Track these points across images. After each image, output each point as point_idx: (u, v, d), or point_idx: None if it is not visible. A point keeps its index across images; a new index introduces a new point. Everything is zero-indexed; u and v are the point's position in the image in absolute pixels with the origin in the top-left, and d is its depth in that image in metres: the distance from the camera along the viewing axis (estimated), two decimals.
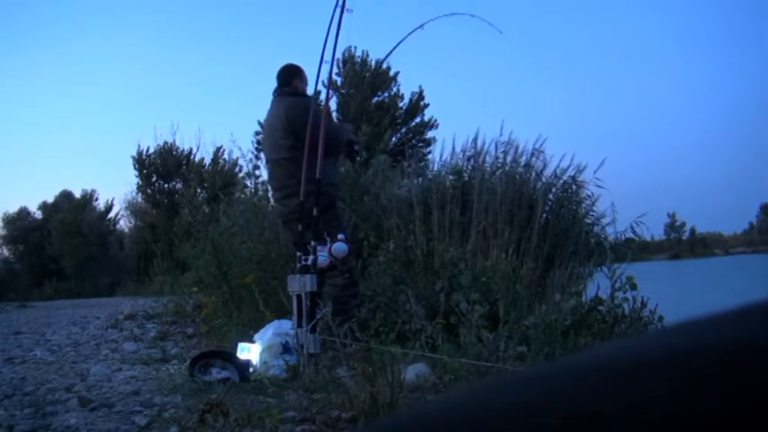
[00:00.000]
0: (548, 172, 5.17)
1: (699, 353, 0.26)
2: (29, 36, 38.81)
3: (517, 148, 5.14)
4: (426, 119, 20.53)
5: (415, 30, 4.18)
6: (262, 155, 5.52)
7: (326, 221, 3.59)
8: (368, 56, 19.33)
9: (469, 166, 5.15)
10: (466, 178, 4.97)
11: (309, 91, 4.03)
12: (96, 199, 22.20)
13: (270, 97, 4.01)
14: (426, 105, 20.26)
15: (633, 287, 3.40)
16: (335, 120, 14.38)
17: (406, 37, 4.22)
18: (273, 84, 4.03)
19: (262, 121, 18.53)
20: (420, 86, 20.02)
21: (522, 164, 5.12)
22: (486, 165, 5.11)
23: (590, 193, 5.21)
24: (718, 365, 0.25)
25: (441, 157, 5.38)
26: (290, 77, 3.95)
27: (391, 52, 4.40)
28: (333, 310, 3.41)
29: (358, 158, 4.75)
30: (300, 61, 4.11)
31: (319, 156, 3.48)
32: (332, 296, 3.63)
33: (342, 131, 4.06)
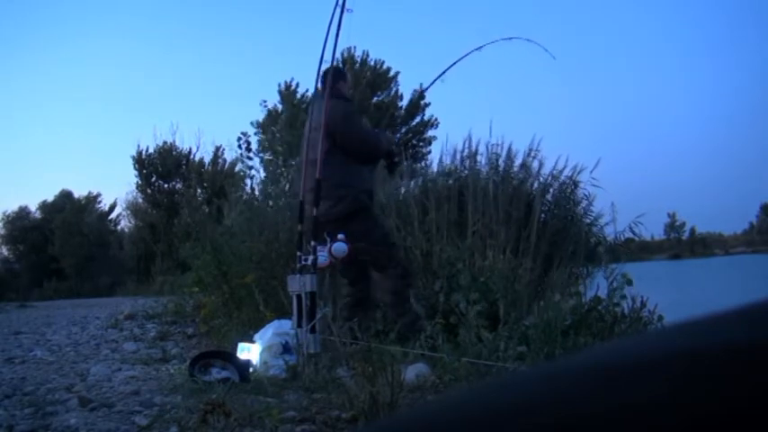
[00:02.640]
0: (545, 172, 5.17)
1: (699, 353, 0.26)
2: (30, 37, 38.79)
3: (510, 148, 5.15)
4: (427, 118, 20.54)
5: (472, 52, 4.21)
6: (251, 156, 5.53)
7: (358, 224, 3.62)
8: (368, 56, 19.35)
9: (465, 167, 5.16)
10: (462, 177, 4.97)
11: (309, 92, 4.02)
12: (100, 201, 22.26)
13: (269, 95, 4.01)
14: (427, 104, 20.26)
15: (629, 283, 3.40)
16: None
17: (459, 60, 4.22)
18: (274, 84, 4.03)
19: (261, 120, 18.42)
20: (421, 84, 19.99)
21: (518, 164, 5.13)
22: (480, 165, 5.12)
23: (588, 193, 5.21)
24: (718, 365, 0.25)
25: (440, 158, 5.39)
26: (334, 80, 3.85)
27: (442, 75, 4.29)
28: (391, 302, 3.55)
29: (396, 169, 4.63)
30: (300, 61, 4.15)
31: (319, 158, 3.47)
32: (389, 290, 3.67)
33: (380, 140, 3.99)
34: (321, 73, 3.93)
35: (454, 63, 4.26)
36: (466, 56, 4.22)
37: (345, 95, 3.91)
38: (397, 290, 3.63)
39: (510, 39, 4.33)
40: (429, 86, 4.29)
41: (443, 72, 4.36)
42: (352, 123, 3.75)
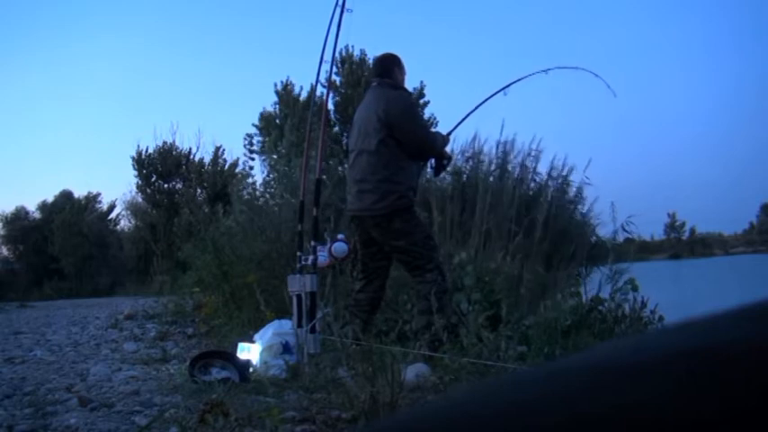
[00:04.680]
0: (544, 172, 5.22)
1: (699, 353, 0.26)
2: (30, 37, 38.73)
3: (509, 149, 5.18)
4: (426, 117, 20.51)
5: (538, 72, 4.21)
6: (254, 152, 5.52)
7: (401, 222, 3.47)
8: (365, 55, 19.31)
9: (468, 167, 5.17)
10: (464, 179, 4.99)
11: (305, 91, 4.01)
12: (100, 201, 22.24)
13: (264, 91, 3.99)
14: (427, 103, 20.24)
15: (635, 289, 3.40)
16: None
17: (524, 78, 4.18)
18: (272, 84, 4.03)
19: (257, 123, 18.32)
20: (421, 82, 19.95)
21: (519, 164, 5.16)
22: (483, 165, 5.14)
23: (585, 194, 5.26)
24: (718, 365, 0.25)
25: None
26: (390, 68, 3.70)
27: (505, 88, 4.21)
28: (420, 309, 3.36)
29: (443, 173, 4.42)
30: (300, 61, 4.14)
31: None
32: (423, 295, 3.41)
33: (437, 140, 3.83)
34: (374, 60, 3.80)
35: (518, 80, 4.22)
36: (531, 75, 4.22)
37: (403, 84, 3.73)
38: (429, 295, 3.33)
39: (575, 68, 4.34)
40: (488, 98, 4.20)
41: (507, 86, 4.22)
42: (412, 116, 3.62)
